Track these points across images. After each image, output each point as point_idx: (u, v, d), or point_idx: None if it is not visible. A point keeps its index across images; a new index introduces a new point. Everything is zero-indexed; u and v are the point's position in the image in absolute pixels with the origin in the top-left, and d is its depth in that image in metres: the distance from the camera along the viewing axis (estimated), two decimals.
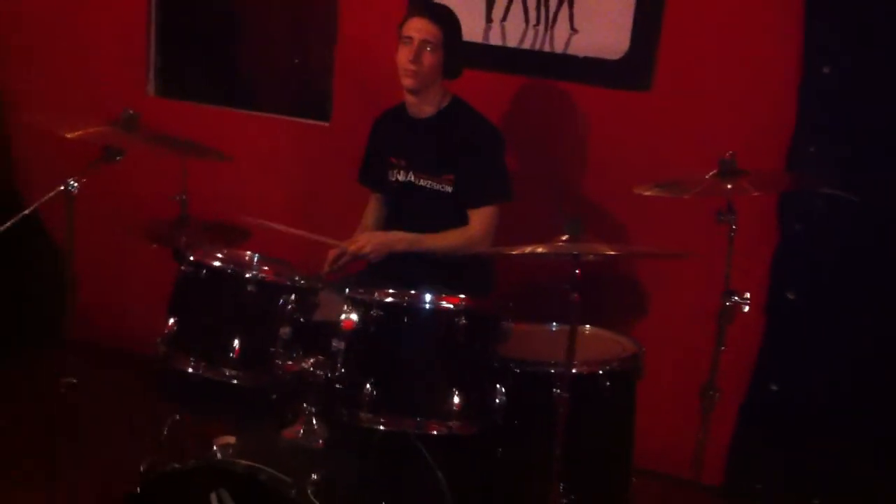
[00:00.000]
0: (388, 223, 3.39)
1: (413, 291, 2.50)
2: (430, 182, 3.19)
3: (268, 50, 4.34)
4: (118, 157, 2.64)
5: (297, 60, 4.26)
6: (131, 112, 2.69)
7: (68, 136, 2.58)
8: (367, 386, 2.42)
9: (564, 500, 2.61)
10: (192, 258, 2.65)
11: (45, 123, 2.91)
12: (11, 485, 3.22)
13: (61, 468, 2.81)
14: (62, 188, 2.53)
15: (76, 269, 2.80)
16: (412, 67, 3.09)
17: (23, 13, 4.25)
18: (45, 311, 3.98)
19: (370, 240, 3.10)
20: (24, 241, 3.22)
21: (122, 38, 4.14)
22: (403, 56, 3.11)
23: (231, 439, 2.70)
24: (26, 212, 2.57)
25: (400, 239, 3.13)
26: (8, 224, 2.57)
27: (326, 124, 3.99)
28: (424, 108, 3.22)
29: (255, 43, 4.38)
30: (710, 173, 2.70)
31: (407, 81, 3.13)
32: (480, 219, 3.14)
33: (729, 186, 2.64)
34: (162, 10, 4.13)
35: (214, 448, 2.56)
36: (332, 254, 3.07)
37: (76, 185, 2.52)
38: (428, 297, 2.48)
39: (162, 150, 2.89)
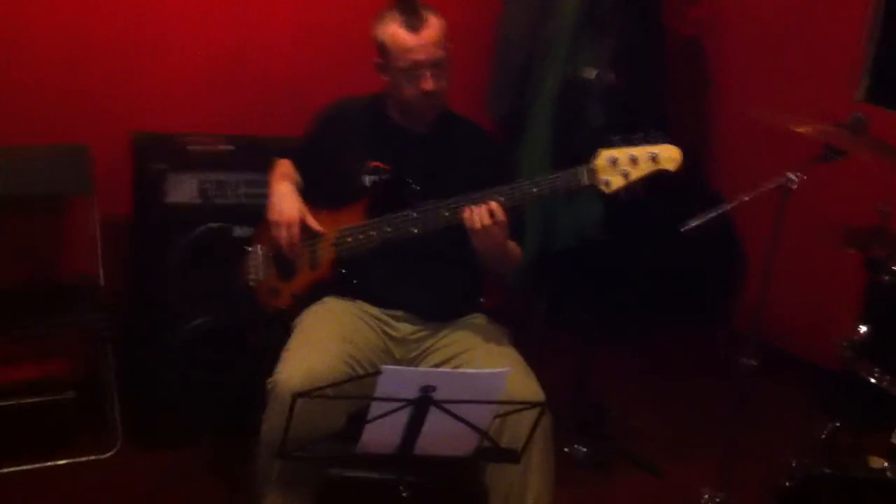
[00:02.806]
0: None
1: None
2: None
3: None
4: (838, 158, 2.66)
5: None
6: (860, 115, 2.69)
7: (798, 130, 2.66)
8: None
9: None
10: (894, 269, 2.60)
11: (766, 117, 3.03)
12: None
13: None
14: (782, 180, 2.62)
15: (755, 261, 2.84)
16: None
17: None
18: (717, 299, 4.23)
19: None
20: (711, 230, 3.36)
21: (841, 39, 4.12)
22: None
23: (883, 461, 2.62)
24: (740, 201, 2.69)
25: None
26: (717, 211, 2.70)
27: None
28: None
29: None
30: None
31: None
32: None
33: None
34: (886, 14, 4.00)
35: (875, 465, 2.51)
36: None
37: (796, 179, 2.60)
38: None
39: (881, 157, 2.84)
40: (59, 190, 3.20)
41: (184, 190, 3.00)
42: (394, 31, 2.49)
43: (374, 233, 2.48)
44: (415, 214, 2.43)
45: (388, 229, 2.46)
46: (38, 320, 2.96)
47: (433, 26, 2.48)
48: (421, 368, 2.44)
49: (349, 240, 2.52)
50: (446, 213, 2.39)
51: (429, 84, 2.49)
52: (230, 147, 3.17)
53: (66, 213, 3.32)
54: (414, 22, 2.47)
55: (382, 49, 2.54)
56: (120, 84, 3.33)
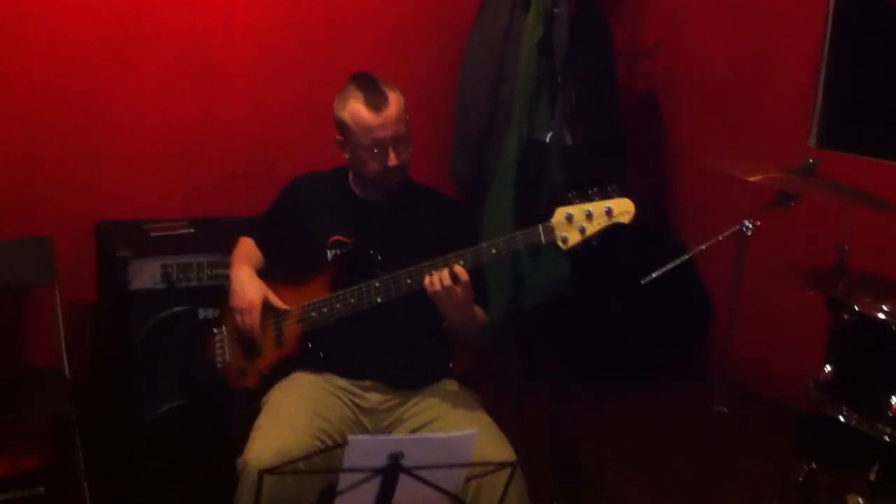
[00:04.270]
0: None
1: None
2: None
3: None
4: (792, 203, 2.70)
5: None
6: (811, 160, 2.74)
7: (750, 179, 2.70)
8: None
9: None
10: (856, 308, 2.63)
11: (720, 167, 3.08)
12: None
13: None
14: (737, 228, 2.66)
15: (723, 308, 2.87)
16: None
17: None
18: (688, 347, 4.25)
19: None
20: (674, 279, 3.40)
21: (791, 88, 4.20)
22: None
23: (859, 499, 2.63)
24: (701, 248, 2.74)
25: None
26: (675, 263, 2.74)
27: None
28: None
29: None
30: None
31: None
32: None
33: None
34: (833, 62, 4.10)
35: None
36: None
37: (751, 226, 2.63)
38: None
39: (834, 197, 2.88)
40: (22, 281, 3.20)
41: (147, 275, 3.00)
42: (355, 109, 2.51)
43: (339, 305, 2.48)
44: (377, 284, 2.44)
45: (352, 300, 2.47)
46: (3, 410, 2.92)
47: (394, 103, 2.51)
48: (387, 436, 2.43)
49: (314, 314, 2.52)
50: (408, 281, 2.40)
51: (393, 160, 2.52)
52: (190, 230, 3.18)
53: (31, 304, 3.31)
54: (375, 100, 2.49)
55: (343, 127, 2.56)
56: (81, 174, 3.36)
